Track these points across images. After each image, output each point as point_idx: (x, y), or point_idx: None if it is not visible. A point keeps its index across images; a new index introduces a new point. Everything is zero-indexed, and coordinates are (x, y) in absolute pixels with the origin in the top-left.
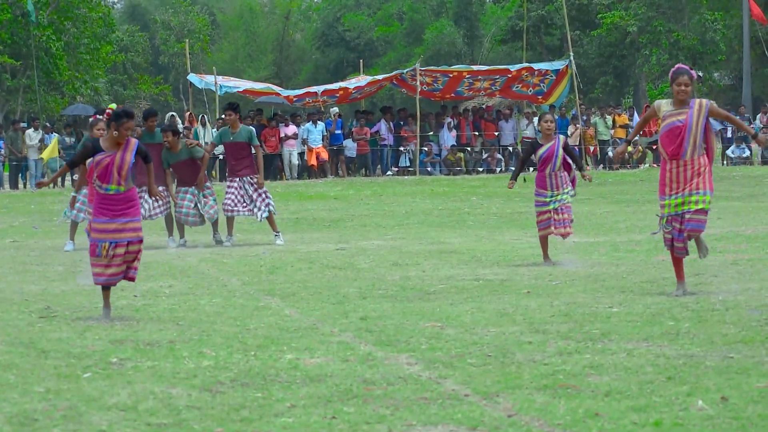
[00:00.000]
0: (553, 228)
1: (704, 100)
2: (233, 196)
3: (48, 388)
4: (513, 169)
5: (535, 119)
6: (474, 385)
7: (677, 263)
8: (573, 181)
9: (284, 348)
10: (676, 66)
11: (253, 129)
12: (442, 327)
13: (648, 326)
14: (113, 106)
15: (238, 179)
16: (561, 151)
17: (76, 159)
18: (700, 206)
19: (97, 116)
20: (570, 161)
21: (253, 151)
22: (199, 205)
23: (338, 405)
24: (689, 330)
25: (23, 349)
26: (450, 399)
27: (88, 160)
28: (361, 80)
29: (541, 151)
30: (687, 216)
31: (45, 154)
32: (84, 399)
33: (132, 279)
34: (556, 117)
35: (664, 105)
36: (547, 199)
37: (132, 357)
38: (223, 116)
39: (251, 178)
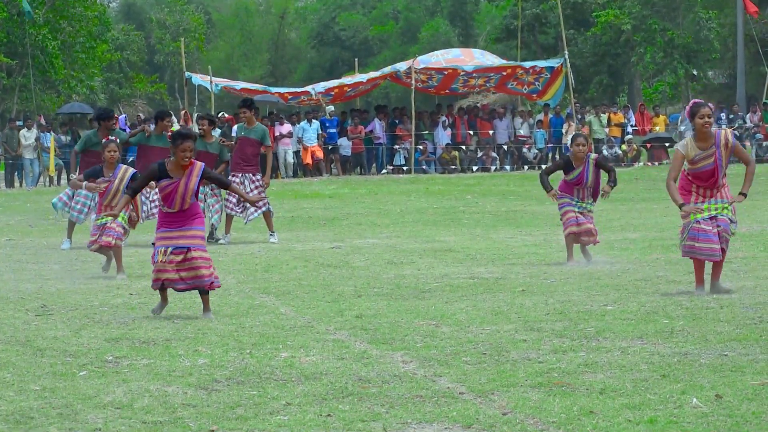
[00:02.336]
0: (576, 228)
1: (730, 135)
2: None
3: (44, 386)
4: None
5: (535, 118)
6: (469, 383)
7: (702, 270)
8: (596, 196)
9: (279, 346)
10: (694, 101)
11: (266, 129)
12: (437, 325)
13: (642, 324)
14: (174, 128)
15: (240, 174)
16: (592, 173)
17: (139, 185)
18: (727, 213)
19: (110, 137)
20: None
21: (263, 151)
22: (204, 209)
23: (333, 403)
24: (683, 328)
25: (19, 348)
26: (445, 397)
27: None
28: (356, 77)
29: (571, 175)
30: (720, 217)
31: (50, 169)
32: (80, 397)
33: (209, 288)
34: (551, 116)
35: (690, 148)
36: (574, 202)
37: (128, 355)
38: (239, 113)
39: (254, 176)
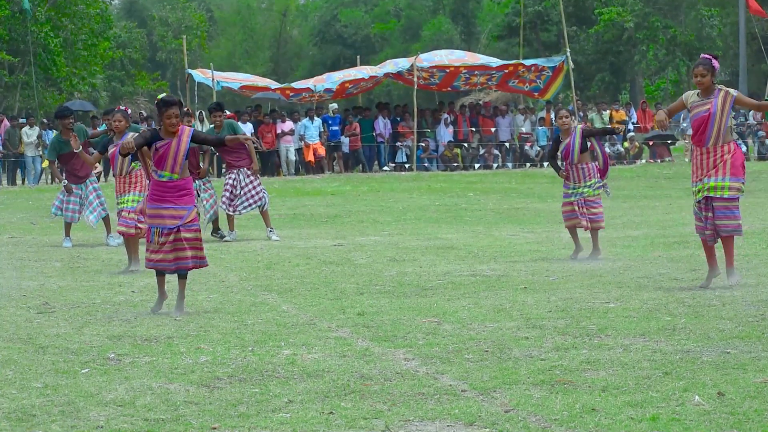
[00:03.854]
0: (583, 221)
1: (731, 91)
2: (229, 193)
3: (46, 383)
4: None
5: (538, 115)
6: (471, 381)
7: (708, 250)
8: (604, 172)
9: (282, 344)
10: (700, 56)
11: (233, 121)
12: (439, 322)
13: (645, 322)
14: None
15: (235, 171)
16: (578, 143)
17: (139, 143)
18: (718, 193)
19: (120, 108)
20: (598, 148)
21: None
22: (199, 202)
23: (336, 400)
24: (686, 325)
25: (21, 345)
26: (447, 394)
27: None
28: (359, 72)
29: (561, 147)
30: (715, 204)
31: (45, 161)
32: (82, 394)
33: (186, 269)
34: (552, 113)
35: (690, 96)
36: (569, 191)
37: (130, 353)
38: (212, 117)
39: (247, 170)
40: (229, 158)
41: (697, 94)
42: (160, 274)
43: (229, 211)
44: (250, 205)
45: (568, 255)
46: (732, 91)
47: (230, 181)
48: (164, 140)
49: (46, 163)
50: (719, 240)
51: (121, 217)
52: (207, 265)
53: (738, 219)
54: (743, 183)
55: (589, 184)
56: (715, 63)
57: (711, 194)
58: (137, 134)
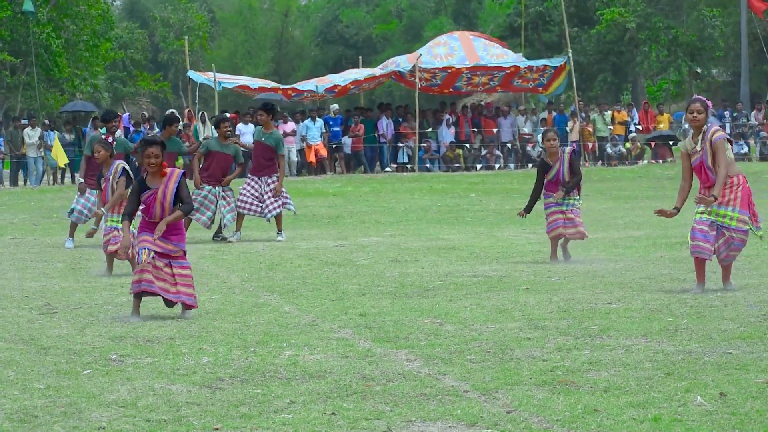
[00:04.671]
0: (563, 229)
1: (715, 133)
2: (248, 194)
3: (48, 384)
4: (528, 197)
5: (539, 116)
6: (473, 381)
7: (701, 267)
8: (578, 188)
9: (284, 344)
10: (693, 96)
11: (281, 137)
12: (441, 323)
13: (647, 322)
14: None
15: (256, 178)
16: (566, 169)
17: (132, 207)
18: (726, 222)
19: (102, 135)
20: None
21: (277, 159)
22: (217, 210)
23: (337, 401)
24: (688, 326)
25: (23, 346)
26: (449, 395)
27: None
28: (360, 73)
29: (551, 174)
30: (730, 234)
31: (60, 161)
32: (84, 395)
33: (192, 306)
34: (554, 114)
35: (687, 144)
36: (560, 200)
37: (132, 353)
38: (258, 117)
39: (269, 178)
40: (256, 163)
41: (692, 139)
42: (138, 297)
43: (250, 214)
44: (275, 208)
45: (549, 257)
46: (716, 135)
47: (248, 188)
48: (150, 190)
49: (62, 162)
50: (711, 258)
51: (114, 237)
52: (196, 306)
53: (740, 251)
54: (748, 217)
55: (576, 197)
56: (710, 103)
57: (719, 221)
58: (130, 194)
